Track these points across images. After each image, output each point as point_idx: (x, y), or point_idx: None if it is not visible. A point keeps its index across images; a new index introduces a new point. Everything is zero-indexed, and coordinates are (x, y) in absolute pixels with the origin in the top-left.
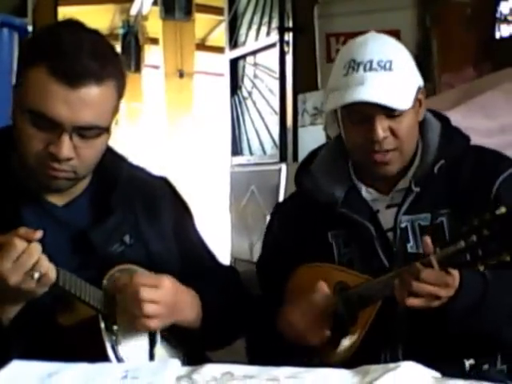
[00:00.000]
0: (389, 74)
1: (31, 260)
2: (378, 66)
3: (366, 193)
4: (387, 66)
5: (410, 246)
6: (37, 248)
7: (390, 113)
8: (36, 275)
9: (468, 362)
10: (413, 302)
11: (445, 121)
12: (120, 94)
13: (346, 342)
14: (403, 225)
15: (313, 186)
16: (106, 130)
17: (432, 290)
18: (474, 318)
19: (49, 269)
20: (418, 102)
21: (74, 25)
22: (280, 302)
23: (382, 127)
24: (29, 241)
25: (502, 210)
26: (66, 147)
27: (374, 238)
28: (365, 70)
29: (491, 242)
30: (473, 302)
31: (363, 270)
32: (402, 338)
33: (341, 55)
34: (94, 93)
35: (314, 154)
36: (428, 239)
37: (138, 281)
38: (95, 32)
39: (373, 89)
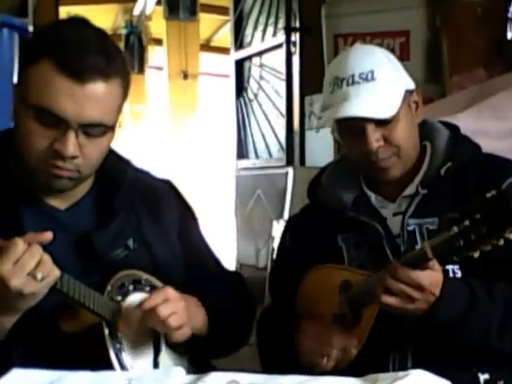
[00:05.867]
0: (372, 85)
1: (33, 260)
2: (359, 79)
3: (375, 200)
4: (369, 76)
5: None
6: (38, 248)
7: (379, 121)
8: (39, 276)
9: (483, 377)
10: (386, 299)
11: (454, 129)
12: (125, 93)
13: (351, 344)
14: (411, 228)
15: (323, 195)
16: (111, 129)
17: (405, 289)
18: (460, 330)
19: (52, 269)
20: (414, 104)
21: (79, 21)
22: (291, 311)
23: (374, 138)
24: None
25: (492, 192)
26: (71, 144)
27: (383, 238)
28: (347, 84)
29: (483, 225)
30: (457, 313)
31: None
32: (410, 341)
33: (327, 73)
34: (100, 89)
35: (324, 168)
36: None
37: (148, 305)
38: (100, 29)
39: (356, 103)
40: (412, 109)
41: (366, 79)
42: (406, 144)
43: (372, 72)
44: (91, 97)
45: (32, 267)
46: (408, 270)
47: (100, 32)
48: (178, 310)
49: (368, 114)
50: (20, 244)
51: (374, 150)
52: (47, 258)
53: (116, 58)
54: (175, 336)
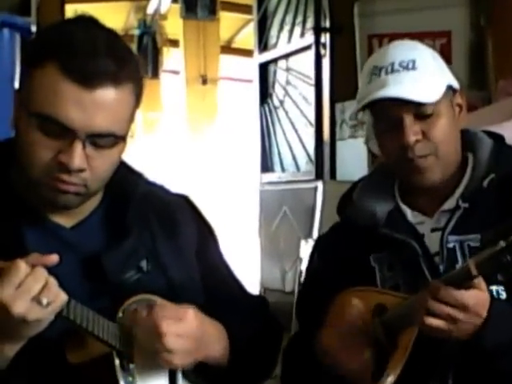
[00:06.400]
0: (413, 73)
1: (38, 284)
2: (400, 67)
3: (412, 216)
4: (410, 65)
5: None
6: (43, 271)
7: (418, 112)
8: (44, 301)
9: None
10: (430, 321)
11: (498, 139)
12: (137, 100)
13: (387, 373)
14: (450, 245)
15: (354, 211)
16: (122, 139)
17: (448, 310)
18: (507, 357)
19: (59, 293)
20: (457, 106)
21: (87, 21)
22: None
23: (412, 131)
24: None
25: None
26: (78, 156)
27: (420, 257)
28: (386, 73)
29: None
30: (505, 339)
31: (409, 294)
32: (451, 368)
33: (365, 66)
34: (110, 95)
35: (357, 183)
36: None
37: (159, 313)
38: (110, 30)
39: (394, 87)
40: (455, 111)
41: (407, 68)
42: (445, 143)
43: (414, 61)
44: (100, 104)
45: (36, 292)
46: (451, 290)
47: (110, 32)
48: (184, 335)
49: (407, 96)
50: (22, 266)
51: (411, 144)
52: (53, 282)
53: (128, 61)
54: (164, 358)
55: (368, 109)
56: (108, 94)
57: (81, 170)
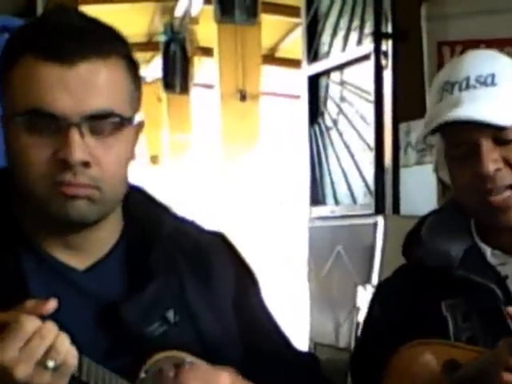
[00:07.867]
0: (492, 90)
1: (44, 344)
2: (476, 83)
3: (492, 256)
4: (488, 80)
5: None
6: (51, 327)
7: (498, 136)
8: (51, 364)
9: None
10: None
11: None
12: (134, 81)
13: None
14: None
15: (423, 251)
16: (125, 123)
17: None
18: None
19: (69, 354)
20: None
21: (65, 9)
22: None
23: (491, 158)
24: (41, 317)
25: None
26: (77, 146)
27: (502, 304)
28: (460, 89)
29: None
30: None
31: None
32: None
33: (434, 81)
34: (97, 69)
35: (425, 218)
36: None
37: (187, 376)
38: (91, 17)
39: (469, 107)
40: None
41: (485, 83)
42: None
43: (493, 76)
44: (87, 80)
45: (42, 353)
46: None
47: (91, 18)
48: None
49: (485, 118)
50: (27, 324)
51: (490, 173)
52: (62, 341)
53: (112, 36)
54: None
55: (438, 132)
56: (94, 69)
57: (85, 164)
